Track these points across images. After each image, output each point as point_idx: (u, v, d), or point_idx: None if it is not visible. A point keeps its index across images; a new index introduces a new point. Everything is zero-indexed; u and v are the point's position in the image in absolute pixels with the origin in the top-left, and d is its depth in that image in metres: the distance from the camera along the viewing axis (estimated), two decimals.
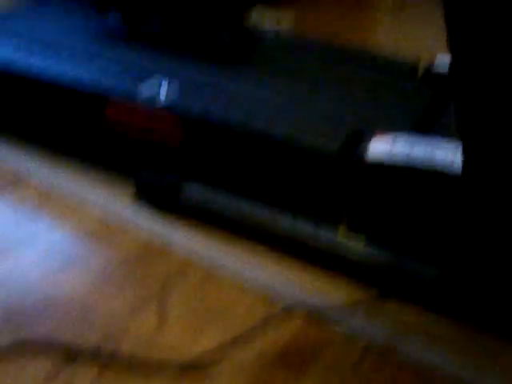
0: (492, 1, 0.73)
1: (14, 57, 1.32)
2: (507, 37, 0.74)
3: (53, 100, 1.28)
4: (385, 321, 0.95)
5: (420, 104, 1.29)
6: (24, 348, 0.86)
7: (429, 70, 1.43)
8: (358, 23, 2.38)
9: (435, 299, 0.96)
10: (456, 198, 0.94)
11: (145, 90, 1.17)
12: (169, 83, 1.19)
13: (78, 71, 1.26)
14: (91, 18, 1.52)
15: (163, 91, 1.17)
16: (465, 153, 0.87)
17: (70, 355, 0.85)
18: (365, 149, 1.03)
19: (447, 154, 1.00)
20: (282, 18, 2.06)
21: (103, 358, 0.85)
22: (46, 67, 1.28)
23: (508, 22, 0.73)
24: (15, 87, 1.32)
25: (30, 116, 1.33)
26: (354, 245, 1.02)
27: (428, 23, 2.30)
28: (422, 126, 1.19)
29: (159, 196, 1.16)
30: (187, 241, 1.10)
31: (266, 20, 1.97)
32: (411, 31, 2.32)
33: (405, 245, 1.02)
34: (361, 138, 1.06)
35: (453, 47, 0.81)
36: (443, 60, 1.41)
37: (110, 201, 1.18)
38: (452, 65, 0.82)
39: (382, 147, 1.03)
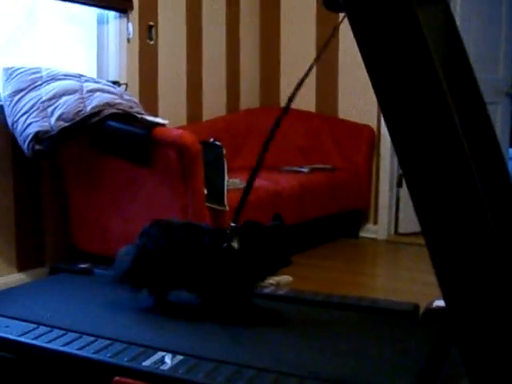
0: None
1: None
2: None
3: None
4: None
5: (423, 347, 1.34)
6: None
7: (429, 311, 1.53)
8: (356, 277, 2.63)
9: None
10: None
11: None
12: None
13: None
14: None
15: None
16: None
17: None
18: None
19: None
20: (281, 280, 2.31)
21: None
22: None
23: None
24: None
25: None
26: None
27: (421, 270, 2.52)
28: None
29: None
30: None
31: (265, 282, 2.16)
32: (406, 281, 2.56)
33: None
34: None
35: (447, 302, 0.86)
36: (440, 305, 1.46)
37: None
38: (449, 313, 0.85)
39: None
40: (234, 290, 1.59)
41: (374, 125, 3.40)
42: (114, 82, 2.67)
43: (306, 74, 1.38)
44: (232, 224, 1.60)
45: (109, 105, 2.25)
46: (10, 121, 2.26)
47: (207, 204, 2.26)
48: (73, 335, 1.46)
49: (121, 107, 2.28)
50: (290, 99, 1.42)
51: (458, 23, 1.38)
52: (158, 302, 1.66)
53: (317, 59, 1.50)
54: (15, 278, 2.36)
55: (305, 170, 3.18)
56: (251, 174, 1.56)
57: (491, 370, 0.90)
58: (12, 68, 2.35)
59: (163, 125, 2.30)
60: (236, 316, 1.60)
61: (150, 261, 1.63)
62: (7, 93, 2.29)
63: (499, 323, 0.88)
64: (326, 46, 1.51)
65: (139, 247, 1.65)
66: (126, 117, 2.27)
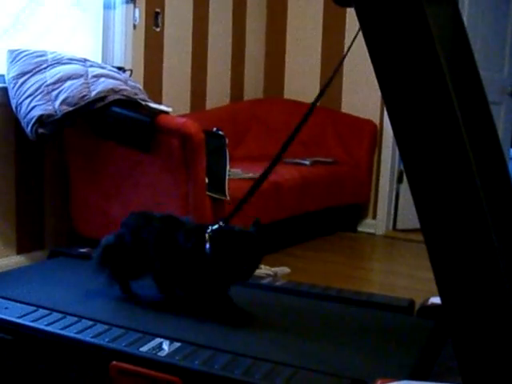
0: None
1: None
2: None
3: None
4: None
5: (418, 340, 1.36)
6: None
7: (424, 307, 1.55)
8: (353, 270, 2.64)
9: None
10: None
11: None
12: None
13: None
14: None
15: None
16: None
17: None
18: None
19: None
20: (279, 272, 2.34)
21: None
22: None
23: None
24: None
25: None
26: None
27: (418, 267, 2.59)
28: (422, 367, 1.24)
29: None
30: None
31: (263, 273, 2.21)
32: (403, 277, 2.58)
33: None
34: None
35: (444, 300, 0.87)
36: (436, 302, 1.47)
37: None
38: (445, 310, 0.86)
39: None
40: (203, 290, 1.56)
41: (376, 120, 3.41)
42: (119, 68, 2.67)
43: (334, 74, 1.40)
44: (219, 224, 1.54)
45: (113, 91, 2.25)
46: (13, 103, 2.27)
47: (208, 193, 2.27)
48: (71, 319, 1.47)
49: (125, 93, 2.28)
50: (318, 97, 1.43)
51: (465, 22, 1.39)
52: (123, 290, 1.66)
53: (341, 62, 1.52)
54: (14, 261, 2.38)
55: (307, 162, 3.19)
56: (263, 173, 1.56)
57: (484, 366, 0.92)
58: (17, 50, 2.35)
59: (167, 112, 2.30)
60: (212, 312, 1.56)
61: (122, 250, 1.63)
62: (12, 75, 2.29)
63: (495, 321, 0.89)
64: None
65: (117, 236, 1.65)
66: (130, 103, 2.28)
